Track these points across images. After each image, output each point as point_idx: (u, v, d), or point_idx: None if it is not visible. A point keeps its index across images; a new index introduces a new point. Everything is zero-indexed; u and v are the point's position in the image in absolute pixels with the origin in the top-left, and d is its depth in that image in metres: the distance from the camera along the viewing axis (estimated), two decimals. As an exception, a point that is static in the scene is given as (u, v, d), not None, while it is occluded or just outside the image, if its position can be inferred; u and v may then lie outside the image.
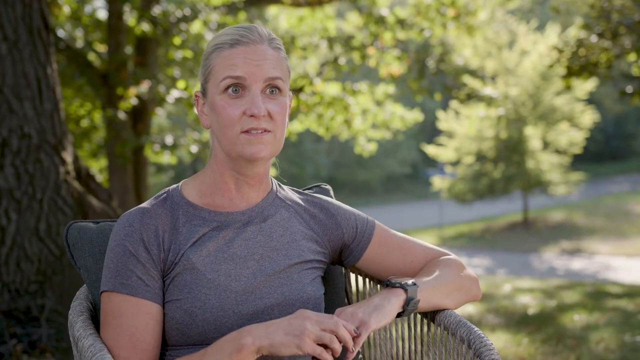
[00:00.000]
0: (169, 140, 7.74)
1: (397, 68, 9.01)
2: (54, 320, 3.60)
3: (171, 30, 7.53)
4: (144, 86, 7.22)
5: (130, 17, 8.07)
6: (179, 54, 7.96)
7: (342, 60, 8.91)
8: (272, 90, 1.39)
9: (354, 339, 1.35)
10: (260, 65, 1.37)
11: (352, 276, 1.78)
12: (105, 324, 1.38)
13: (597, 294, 6.54)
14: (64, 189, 3.87)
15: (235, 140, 1.37)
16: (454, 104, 15.28)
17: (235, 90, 1.37)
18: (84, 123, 9.42)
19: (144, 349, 1.36)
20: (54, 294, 3.68)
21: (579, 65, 7.86)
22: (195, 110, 1.59)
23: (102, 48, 9.16)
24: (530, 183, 17.72)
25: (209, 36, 7.86)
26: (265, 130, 1.37)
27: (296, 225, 1.51)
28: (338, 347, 1.30)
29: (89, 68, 8.13)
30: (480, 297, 1.58)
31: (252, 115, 1.36)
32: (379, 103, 9.60)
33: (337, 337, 1.31)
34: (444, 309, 1.51)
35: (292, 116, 9.18)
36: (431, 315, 1.53)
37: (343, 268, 1.74)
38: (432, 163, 25.64)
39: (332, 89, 8.93)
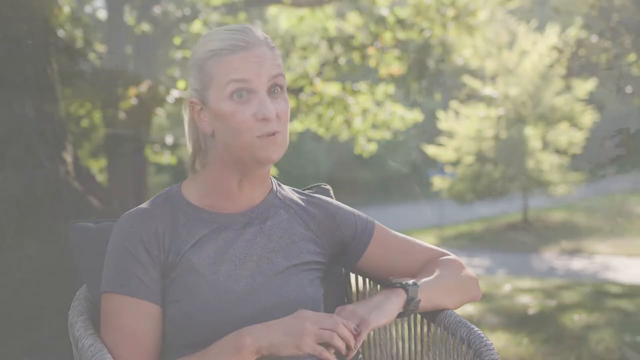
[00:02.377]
0: (169, 140, 7.74)
1: (397, 68, 9.01)
2: (54, 320, 3.60)
3: (171, 30, 7.53)
4: (144, 86, 7.22)
5: (130, 17, 8.07)
6: (179, 54, 7.96)
7: (342, 60, 8.91)
8: (275, 90, 1.39)
9: (354, 337, 1.35)
10: (263, 66, 1.37)
11: (352, 276, 1.78)
12: (105, 325, 1.38)
13: (597, 294, 6.54)
14: (64, 189, 3.87)
15: (251, 145, 1.36)
16: (454, 104, 15.27)
17: (240, 95, 1.36)
18: (84, 123, 9.41)
19: (144, 350, 1.36)
20: (54, 294, 3.68)
21: (579, 66, 7.86)
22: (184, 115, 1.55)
23: (102, 48, 9.16)
24: (530, 183, 17.70)
25: (208, 36, 7.85)
26: (277, 132, 1.37)
27: (295, 227, 1.51)
28: (340, 344, 1.30)
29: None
30: (480, 297, 1.58)
31: (263, 119, 1.35)
32: (379, 103, 9.60)
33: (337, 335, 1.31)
34: (444, 309, 1.51)
35: (292, 116, 9.16)
36: (431, 316, 1.53)
37: (343, 268, 1.74)
38: (432, 163, 25.61)
39: (332, 89, 8.92)
